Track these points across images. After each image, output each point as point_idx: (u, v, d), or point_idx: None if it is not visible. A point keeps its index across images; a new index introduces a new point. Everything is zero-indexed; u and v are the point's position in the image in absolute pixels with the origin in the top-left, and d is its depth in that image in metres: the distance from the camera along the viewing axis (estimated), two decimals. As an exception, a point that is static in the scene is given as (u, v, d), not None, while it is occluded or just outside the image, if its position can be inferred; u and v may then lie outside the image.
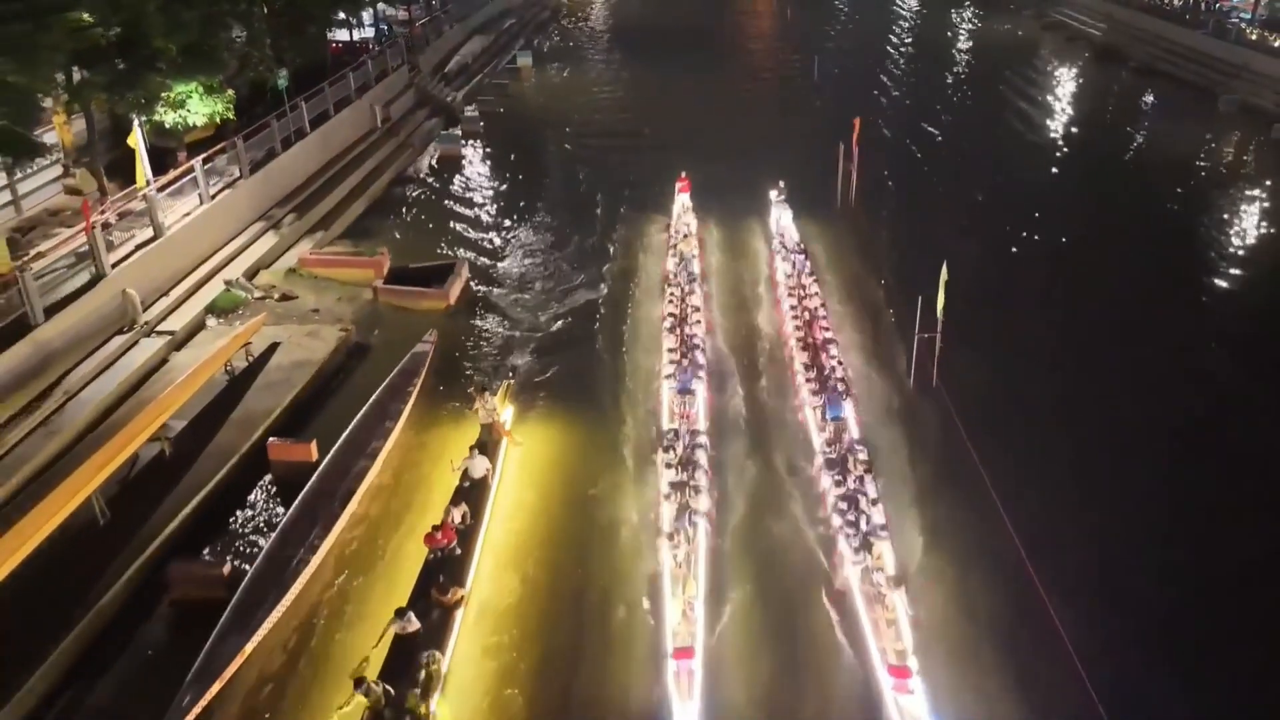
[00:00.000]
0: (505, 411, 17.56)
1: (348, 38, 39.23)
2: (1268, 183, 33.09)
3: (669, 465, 15.59)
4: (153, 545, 14.23)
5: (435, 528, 14.13)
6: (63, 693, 12.25)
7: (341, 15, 34.54)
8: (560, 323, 22.51)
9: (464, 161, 35.32)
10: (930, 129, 38.99)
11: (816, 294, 21.14)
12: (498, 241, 27.68)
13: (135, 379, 18.29)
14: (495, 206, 30.72)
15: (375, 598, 14.00)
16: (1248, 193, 32.30)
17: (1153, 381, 19.62)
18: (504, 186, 32.77)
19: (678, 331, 19.65)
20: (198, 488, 15.58)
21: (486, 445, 16.49)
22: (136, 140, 20.34)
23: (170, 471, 16.00)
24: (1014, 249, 26.87)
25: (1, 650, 12.19)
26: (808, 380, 18.22)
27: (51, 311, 17.56)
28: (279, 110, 27.50)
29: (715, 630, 13.24)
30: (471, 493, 15.44)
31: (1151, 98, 43.78)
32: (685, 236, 24.28)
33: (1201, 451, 17.34)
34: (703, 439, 16.42)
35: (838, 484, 15.08)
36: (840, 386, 17.36)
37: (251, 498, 16.11)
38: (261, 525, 15.54)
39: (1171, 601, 13.89)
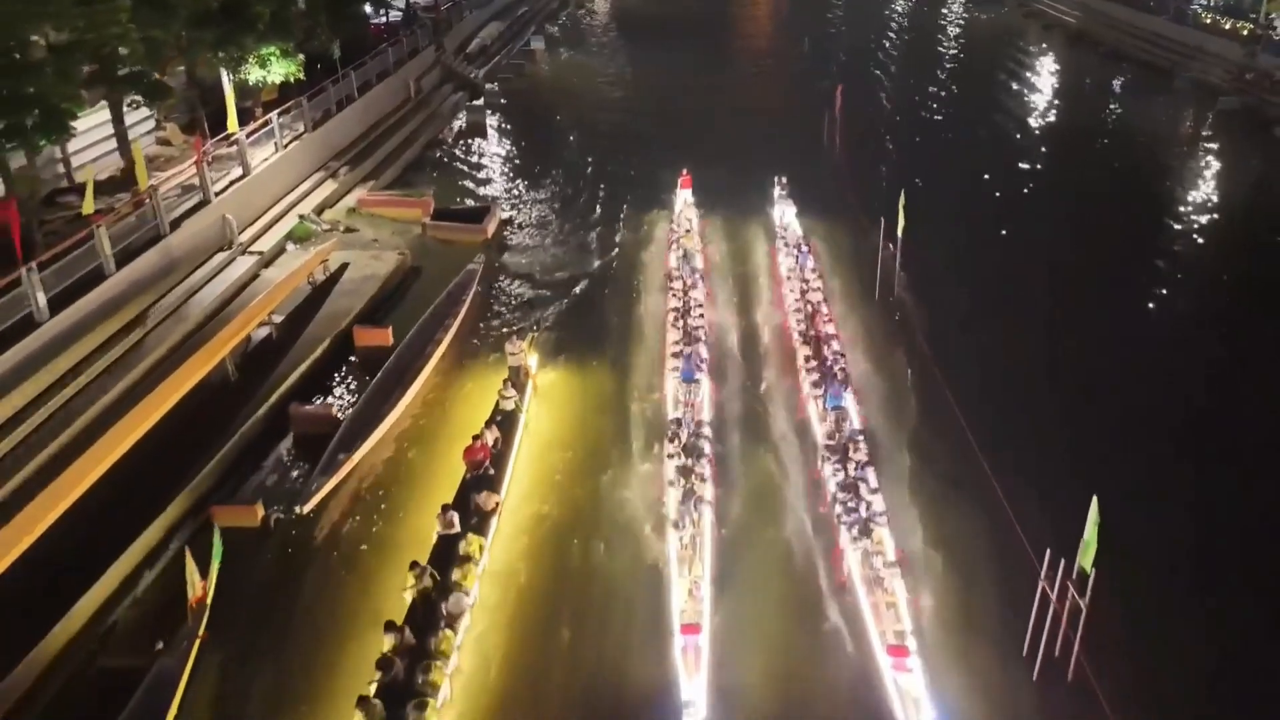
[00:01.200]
0: (531, 359, 19.41)
1: (384, 20, 43.04)
2: (1214, 147, 37.16)
3: (673, 454, 15.93)
4: (275, 394, 18.28)
5: (475, 437, 16.22)
6: (224, 484, 16.29)
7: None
8: (574, 269, 25.51)
9: (487, 131, 39.24)
10: (915, 98, 43.15)
11: (819, 288, 21.59)
12: (518, 198, 31.40)
13: (237, 285, 22.25)
14: (514, 170, 34.58)
15: (436, 451, 17.53)
16: (1197, 156, 36.38)
17: (1091, 296, 23.60)
18: (522, 153, 36.67)
19: (681, 324, 20.07)
20: (301, 359, 19.65)
21: (515, 383, 18.43)
22: (229, 93, 24.30)
23: (279, 348, 20.13)
24: (977, 193, 30.88)
25: (173, 456, 16.15)
26: (809, 371, 18.60)
27: (174, 228, 21.52)
28: (332, 78, 31.43)
29: (720, 609, 13.59)
30: (504, 422, 17.35)
31: (1118, 77, 47.66)
32: (688, 231, 24.74)
33: (1122, 343, 21.07)
34: (706, 428, 16.80)
35: (838, 472, 15.48)
36: (840, 376, 17.75)
37: (344, 368, 20.12)
38: (354, 387, 19.52)
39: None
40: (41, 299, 16.90)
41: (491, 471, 16.18)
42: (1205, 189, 32.73)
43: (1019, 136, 38.41)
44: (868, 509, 14.45)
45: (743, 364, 20.45)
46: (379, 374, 19.16)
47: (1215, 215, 30.04)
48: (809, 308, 20.79)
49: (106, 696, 12.06)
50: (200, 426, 17.00)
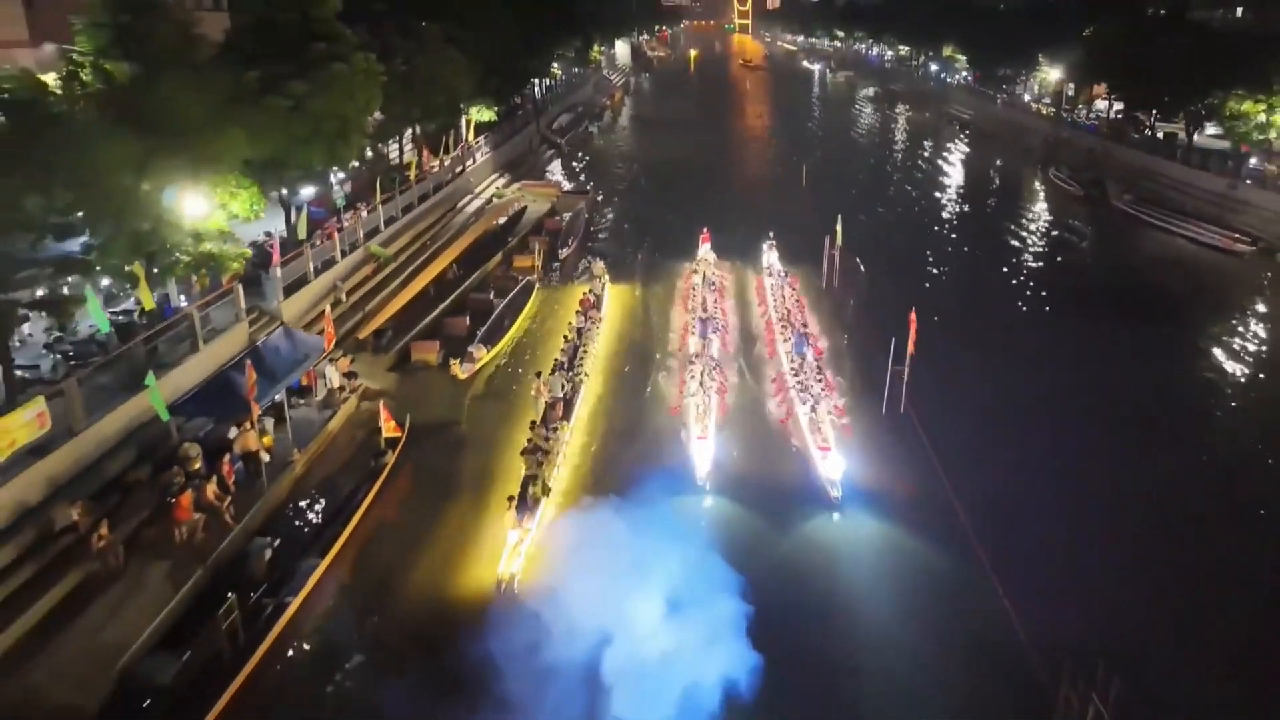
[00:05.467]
0: (605, 276, 35.09)
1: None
2: (1029, 177, 61.44)
3: (692, 362, 25.07)
4: (518, 235, 41.50)
5: (584, 295, 32.57)
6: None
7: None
8: (623, 241, 47.57)
9: (572, 167, 63.59)
10: (856, 162, 67.84)
11: (795, 291, 31.53)
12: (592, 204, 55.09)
13: (479, 209, 45.69)
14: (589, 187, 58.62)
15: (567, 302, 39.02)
16: (1017, 181, 61.43)
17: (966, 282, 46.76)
18: (591, 180, 60.71)
19: (699, 314, 29.52)
20: (525, 229, 42.94)
21: (599, 280, 34.88)
22: (471, 123, 48.63)
23: (509, 226, 43.55)
24: (895, 208, 54.33)
25: (480, 256, 39.13)
26: (782, 332, 27.73)
27: (452, 181, 45.25)
28: (496, 125, 55.77)
29: (721, 443, 22.20)
30: (597, 295, 32.92)
31: (982, 144, 72.55)
32: (706, 261, 35.55)
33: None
34: (716, 355, 26.52)
35: (797, 376, 24.14)
36: (803, 331, 26.64)
37: (541, 233, 43.15)
38: (548, 238, 42.26)
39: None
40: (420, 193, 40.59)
41: (595, 307, 31.93)
42: (1017, 196, 57.10)
43: (921, 174, 62.80)
44: (815, 395, 22.93)
45: (739, 337, 30.43)
46: (562, 230, 42.39)
47: (1018, 204, 53.98)
48: (786, 308, 29.58)
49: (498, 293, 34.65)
50: (489, 245, 40.12)
